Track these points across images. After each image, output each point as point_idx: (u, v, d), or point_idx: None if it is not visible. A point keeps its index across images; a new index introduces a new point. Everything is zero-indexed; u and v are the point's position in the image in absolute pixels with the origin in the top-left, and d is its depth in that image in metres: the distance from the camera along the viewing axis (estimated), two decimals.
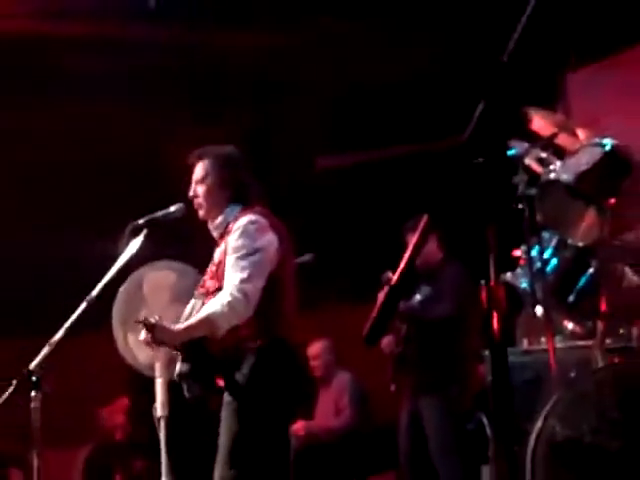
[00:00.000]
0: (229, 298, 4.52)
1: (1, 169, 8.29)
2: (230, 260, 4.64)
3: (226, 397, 4.65)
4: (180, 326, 4.65)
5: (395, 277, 2.63)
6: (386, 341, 6.92)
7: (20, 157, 8.38)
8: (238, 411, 4.61)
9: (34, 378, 4.84)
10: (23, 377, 4.85)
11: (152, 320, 4.55)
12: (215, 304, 4.56)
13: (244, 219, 4.70)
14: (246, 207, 4.79)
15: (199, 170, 4.89)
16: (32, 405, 4.89)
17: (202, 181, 4.88)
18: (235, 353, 4.65)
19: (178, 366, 4.77)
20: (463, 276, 6.74)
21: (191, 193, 4.91)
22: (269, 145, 8.30)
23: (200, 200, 4.88)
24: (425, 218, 2.67)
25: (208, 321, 4.57)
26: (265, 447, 4.62)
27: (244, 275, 4.56)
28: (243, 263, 4.59)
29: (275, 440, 4.69)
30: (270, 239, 4.67)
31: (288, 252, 4.81)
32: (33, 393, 4.87)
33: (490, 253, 2.58)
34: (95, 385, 8.83)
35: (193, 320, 4.65)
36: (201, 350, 4.69)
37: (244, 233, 4.64)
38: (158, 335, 4.56)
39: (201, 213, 4.89)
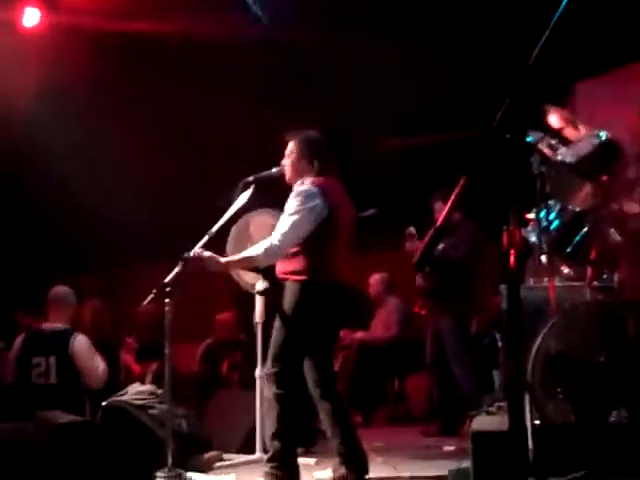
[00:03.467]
0: (268, 245, 4.58)
1: (167, 144, 8.41)
2: (282, 216, 4.65)
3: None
4: (227, 259, 4.80)
5: (440, 220, 2.63)
6: (417, 277, 6.97)
7: (179, 136, 8.50)
8: (284, 325, 4.63)
9: (168, 289, 4.89)
10: (160, 288, 4.91)
11: (190, 254, 4.65)
12: (258, 247, 4.63)
13: (301, 187, 4.69)
14: (315, 177, 4.74)
15: (288, 147, 4.88)
16: (166, 309, 4.95)
17: (289, 156, 4.86)
18: (288, 283, 4.66)
19: (258, 284, 4.99)
20: (475, 231, 6.71)
21: (282, 163, 4.90)
22: (349, 127, 8.24)
23: (287, 169, 4.87)
24: (463, 180, 2.65)
25: (248, 259, 4.70)
26: (298, 352, 4.66)
27: (284, 229, 4.57)
28: (286, 220, 4.59)
29: (308, 348, 4.68)
30: (315, 204, 4.60)
31: (341, 213, 4.72)
32: (167, 300, 4.93)
33: (511, 207, 2.55)
34: (213, 297, 8.90)
35: (237, 256, 4.80)
36: (272, 276, 4.79)
37: (295, 197, 4.64)
38: (211, 264, 4.67)
39: (287, 179, 4.87)
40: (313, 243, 4.62)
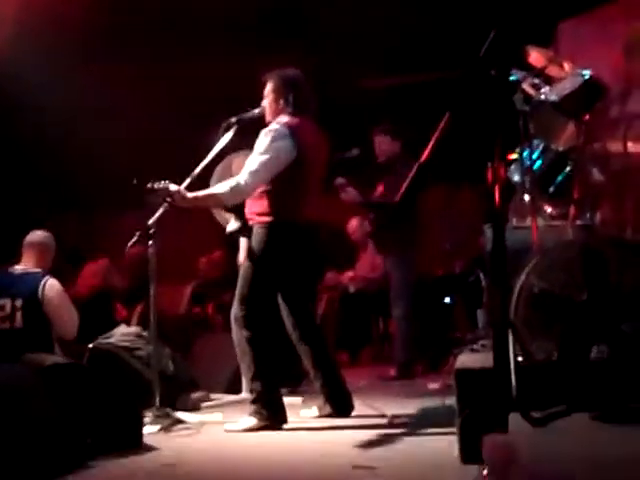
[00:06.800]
0: (234, 183, 4.53)
1: (152, 89, 8.29)
2: (252, 155, 4.60)
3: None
4: (193, 194, 4.65)
5: (423, 157, 2.60)
6: (365, 222, 7.17)
7: (164, 80, 8.38)
8: (250, 267, 4.64)
9: (151, 231, 4.87)
10: (143, 230, 4.88)
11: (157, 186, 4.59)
12: (225, 185, 4.57)
13: (271, 126, 4.64)
14: (290, 117, 4.69)
15: (267, 87, 4.84)
16: (149, 251, 4.93)
17: (267, 95, 4.83)
18: (254, 225, 4.67)
19: (230, 224, 4.87)
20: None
21: (262, 103, 4.86)
22: (330, 70, 8.11)
23: (265, 108, 4.83)
24: (446, 116, 2.61)
25: (214, 196, 4.61)
26: (265, 294, 4.70)
27: (252, 168, 4.52)
28: (255, 159, 4.55)
29: (275, 290, 4.73)
30: (284, 144, 4.58)
31: (313, 153, 4.69)
32: (150, 242, 4.91)
33: (496, 143, 2.52)
34: (198, 239, 8.89)
35: (203, 192, 4.67)
36: (243, 217, 4.76)
37: (264, 137, 4.59)
38: (178, 198, 4.61)
39: (266, 118, 4.82)
40: (280, 184, 4.59)
